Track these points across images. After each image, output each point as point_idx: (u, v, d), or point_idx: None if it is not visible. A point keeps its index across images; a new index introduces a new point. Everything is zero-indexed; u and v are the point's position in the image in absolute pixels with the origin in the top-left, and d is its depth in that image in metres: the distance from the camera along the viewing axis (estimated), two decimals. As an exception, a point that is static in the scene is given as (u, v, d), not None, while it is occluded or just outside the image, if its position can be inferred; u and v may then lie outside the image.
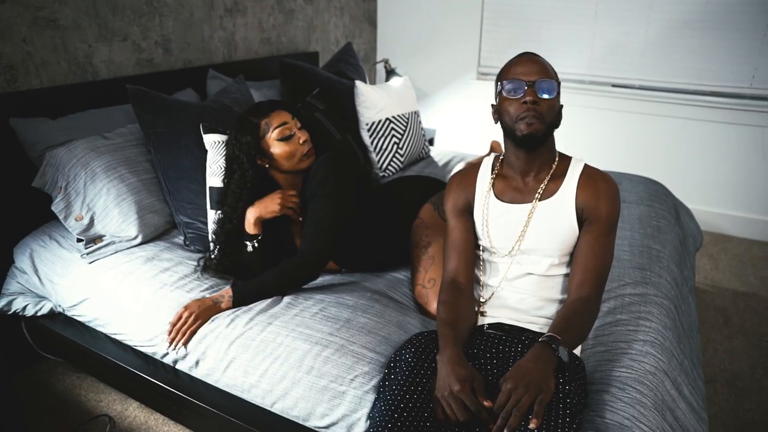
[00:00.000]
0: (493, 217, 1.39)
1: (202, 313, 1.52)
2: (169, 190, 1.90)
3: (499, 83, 1.33)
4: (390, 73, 3.74)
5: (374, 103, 2.61)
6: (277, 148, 1.64)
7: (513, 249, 1.36)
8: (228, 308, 1.55)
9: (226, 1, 2.75)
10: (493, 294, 1.40)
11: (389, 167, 2.65)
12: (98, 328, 1.72)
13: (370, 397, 1.27)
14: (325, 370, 1.34)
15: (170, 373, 1.56)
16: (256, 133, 1.63)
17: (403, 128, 2.70)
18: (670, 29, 3.34)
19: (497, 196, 1.40)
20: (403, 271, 1.84)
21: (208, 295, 1.63)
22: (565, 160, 1.39)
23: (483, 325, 1.37)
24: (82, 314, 1.74)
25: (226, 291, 1.57)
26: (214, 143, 1.78)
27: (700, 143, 3.46)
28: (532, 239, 1.34)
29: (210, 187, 1.79)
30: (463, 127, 4.07)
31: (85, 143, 1.86)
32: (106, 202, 1.82)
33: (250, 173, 1.63)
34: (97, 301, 1.69)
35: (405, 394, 1.14)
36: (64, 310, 1.80)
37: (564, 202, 1.33)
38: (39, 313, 1.83)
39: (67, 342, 1.79)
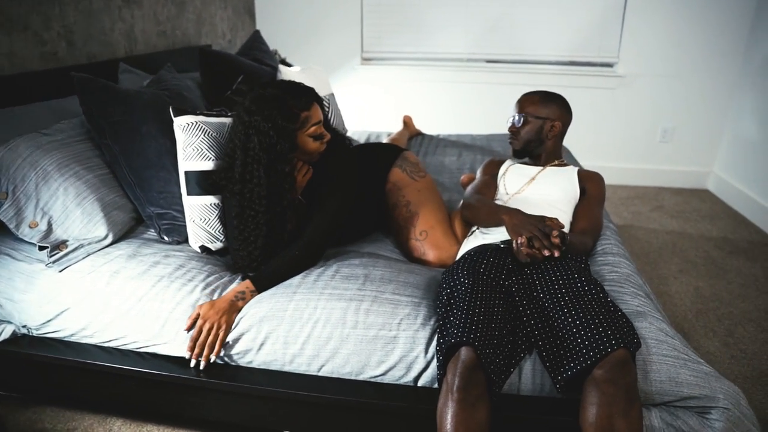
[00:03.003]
0: (512, 171, 1.89)
1: (223, 319, 1.45)
2: (136, 181, 1.78)
3: None
4: (282, 63, 3.74)
5: (299, 86, 2.63)
6: (307, 145, 1.64)
7: (522, 189, 1.81)
8: (248, 302, 1.52)
9: (122, -9, 2.58)
10: None
11: (320, 149, 2.70)
12: (84, 341, 1.57)
13: (422, 334, 1.37)
14: (370, 321, 1.40)
15: (187, 366, 1.49)
16: (296, 123, 1.59)
17: (327, 110, 2.76)
18: (532, 8, 3.80)
19: (518, 163, 1.94)
20: (376, 235, 1.96)
21: (212, 281, 1.58)
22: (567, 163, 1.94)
23: (497, 244, 1.57)
24: (60, 329, 1.57)
25: (244, 285, 1.53)
26: (187, 125, 1.71)
27: (564, 107, 3.98)
28: (539, 185, 1.80)
29: (186, 172, 1.71)
30: (351, 111, 4.21)
31: (28, 141, 1.68)
32: (64, 203, 1.66)
33: (290, 158, 1.61)
34: (81, 310, 1.55)
35: (476, 308, 1.27)
36: (30, 331, 1.61)
37: (568, 170, 1.86)
38: (-1, 340, 1.60)
39: (36, 367, 1.60)
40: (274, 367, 1.45)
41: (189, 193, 1.74)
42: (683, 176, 4.04)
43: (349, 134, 3.09)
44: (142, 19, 2.76)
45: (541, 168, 1.87)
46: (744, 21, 3.61)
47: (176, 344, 1.49)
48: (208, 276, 1.61)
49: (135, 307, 1.52)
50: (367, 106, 4.19)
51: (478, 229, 1.76)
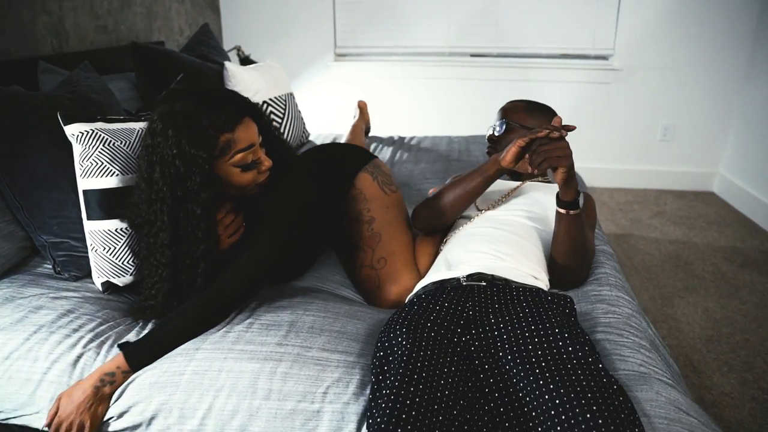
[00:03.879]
0: None
1: (86, 416, 1.09)
2: (22, 204, 1.47)
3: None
4: (245, 60, 3.42)
5: (248, 85, 2.32)
6: (232, 177, 1.26)
7: (495, 204, 1.49)
8: (121, 384, 1.15)
9: (44, -20, 2.27)
10: (464, 226, 1.46)
11: (275, 156, 2.39)
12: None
13: (354, 408, 1.05)
14: (288, 389, 1.08)
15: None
16: (212, 150, 1.20)
17: (282, 111, 2.45)
18: (519, -4, 3.47)
19: None
20: (326, 257, 1.65)
21: (103, 330, 1.26)
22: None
23: (458, 279, 1.25)
24: None
25: (115, 363, 1.14)
26: (81, 135, 1.39)
27: (556, 104, 3.63)
28: (517, 201, 1.48)
29: (85, 191, 1.40)
30: (325, 111, 3.89)
31: None
32: (-75, 236, 1.35)
33: (204, 197, 1.21)
34: (-65, 371, 1.23)
35: (411, 384, 0.95)
36: None
37: (552, 187, 1.49)
38: None
39: None
40: (170, 446, 1.13)
41: (89, 218, 1.42)
42: (686, 178, 3.71)
43: (311, 138, 2.77)
44: (74, 11, 2.44)
45: (520, 183, 1.56)
46: (752, 8, 3.28)
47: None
48: (100, 324, 1.28)
49: (1, 367, 1.20)
50: (342, 106, 3.87)
51: (442, 256, 1.44)
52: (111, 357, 1.19)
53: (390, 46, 3.72)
